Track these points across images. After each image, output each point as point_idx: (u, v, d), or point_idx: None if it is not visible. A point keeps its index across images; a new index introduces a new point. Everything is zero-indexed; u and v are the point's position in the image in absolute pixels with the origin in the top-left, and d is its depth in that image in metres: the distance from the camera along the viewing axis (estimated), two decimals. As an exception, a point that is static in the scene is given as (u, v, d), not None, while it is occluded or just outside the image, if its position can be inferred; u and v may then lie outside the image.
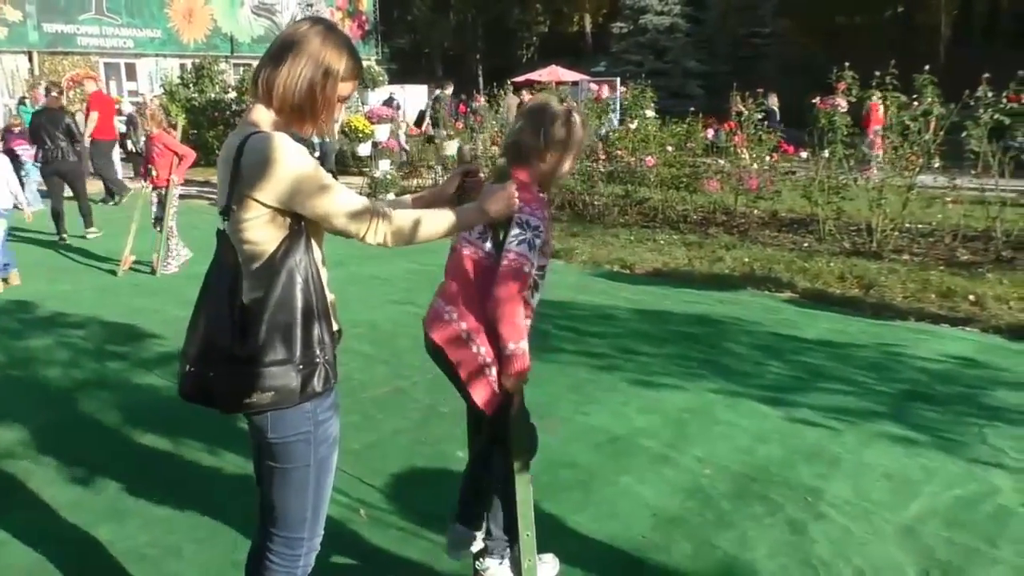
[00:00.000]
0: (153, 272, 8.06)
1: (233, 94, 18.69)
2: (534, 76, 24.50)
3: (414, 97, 24.52)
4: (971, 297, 6.68)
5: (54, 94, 10.92)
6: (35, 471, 3.81)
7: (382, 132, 12.26)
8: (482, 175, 2.52)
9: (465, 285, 2.48)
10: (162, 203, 8.12)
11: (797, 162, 10.86)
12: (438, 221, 2.13)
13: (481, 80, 24.15)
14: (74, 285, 7.65)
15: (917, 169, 8.66)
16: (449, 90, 17.50)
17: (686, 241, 9.38)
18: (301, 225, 1.95)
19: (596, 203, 11.24)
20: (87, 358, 5.45)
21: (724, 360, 5.41)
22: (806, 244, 9.10)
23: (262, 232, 1.94)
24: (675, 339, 5.87)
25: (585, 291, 7.29)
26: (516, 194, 2.28)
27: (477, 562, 2.75)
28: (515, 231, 2.36)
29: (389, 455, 3.94)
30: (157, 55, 24.16)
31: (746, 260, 8.22)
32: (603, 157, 11.59)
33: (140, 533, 3.24)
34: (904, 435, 4.20)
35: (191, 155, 8.20)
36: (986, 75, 8.11)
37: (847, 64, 8.86)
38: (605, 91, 13.14)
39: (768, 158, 10.56)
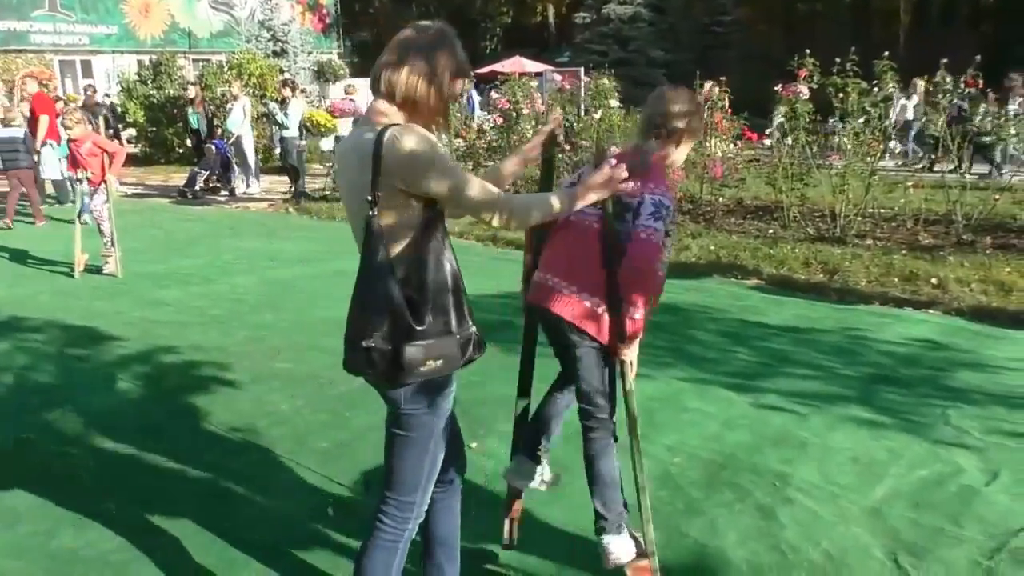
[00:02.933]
0: (110, 274, 7.91)
1: (192, 90, 18.28)
2: (498, 67, 24.41)
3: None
4: (933, 280, 6.78)
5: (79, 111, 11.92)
6: (-5, 480, 3.73)
7: (345, 126, 12.19)
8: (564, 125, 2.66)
9: (584, 259, 2.60)
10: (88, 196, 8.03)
11: (760, 149, 10.92)
12: (550, 205, 2.29)
13: (445, 72, 24.09)
14: (31, 288, 7.49)
15: (878, 155, 8.76)
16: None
17: (652, 230, 9.36)
18: (437, 209, 2.14)
19: (562, 194, 11.21)
20: (48, 363, 5.34)
21: (691, 348, 5.44)
22: (771, 231, 9.17)
23: (405, 217, 2.11)
24: (643, 328, 5.88)
25: (553, 282, 7.25)
26: (615, 175, 2.34)
27: (600, 540, 2.78)
28: (650, 209, 2.52)
29: (359, 453, 3.90)
30: (114, 51, 23.74)
31: (712, 248, 8.27)
32: (568, 148, 11.57)
33: (105, 540, 3.18)
34: (869, 418, 4.25)
35: (122, 152, 8.31)
36: (944, 60, 8.21)
37: (807, 51, 8.91)
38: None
39: (732, 146, 10.62)
